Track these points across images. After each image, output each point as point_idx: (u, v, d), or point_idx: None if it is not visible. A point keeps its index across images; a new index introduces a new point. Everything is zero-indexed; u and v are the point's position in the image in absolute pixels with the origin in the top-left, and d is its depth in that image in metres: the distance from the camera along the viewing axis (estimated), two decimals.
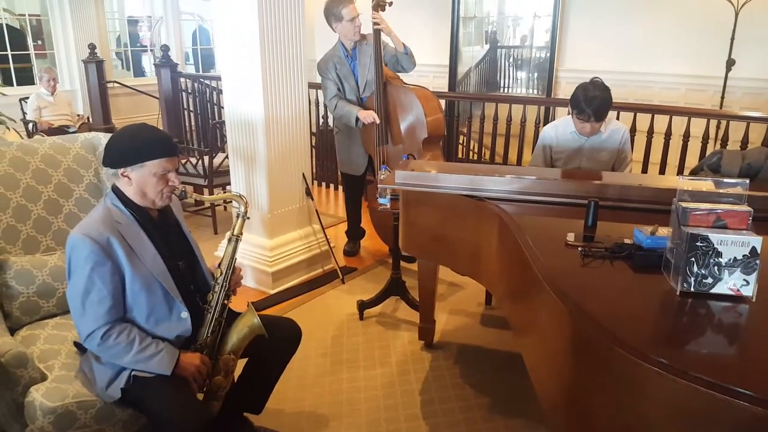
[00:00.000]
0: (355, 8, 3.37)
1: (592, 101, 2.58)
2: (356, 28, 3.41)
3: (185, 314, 1.78)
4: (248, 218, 1.95)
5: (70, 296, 1.72)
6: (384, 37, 3.41)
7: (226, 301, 1.89)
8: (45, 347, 1.92)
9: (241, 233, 1.93)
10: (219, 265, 1.90)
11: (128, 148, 1.73)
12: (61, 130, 5.53)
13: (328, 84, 3.54)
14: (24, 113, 5.91)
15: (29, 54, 7.30)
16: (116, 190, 1.78)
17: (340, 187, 5.16)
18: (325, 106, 5.01)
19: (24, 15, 7.33)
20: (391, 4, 3.42)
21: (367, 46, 3.46)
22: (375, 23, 3.32)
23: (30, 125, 5.68)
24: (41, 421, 1.64)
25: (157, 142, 1.75)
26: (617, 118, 3.87)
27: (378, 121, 3.39)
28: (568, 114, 2.79)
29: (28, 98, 5.88)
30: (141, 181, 1.74)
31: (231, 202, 2.20)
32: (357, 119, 3.42)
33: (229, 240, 1.91)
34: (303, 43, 3.30)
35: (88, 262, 1.66)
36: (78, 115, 6.19)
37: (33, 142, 2.30)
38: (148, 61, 8.71)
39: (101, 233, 1.68)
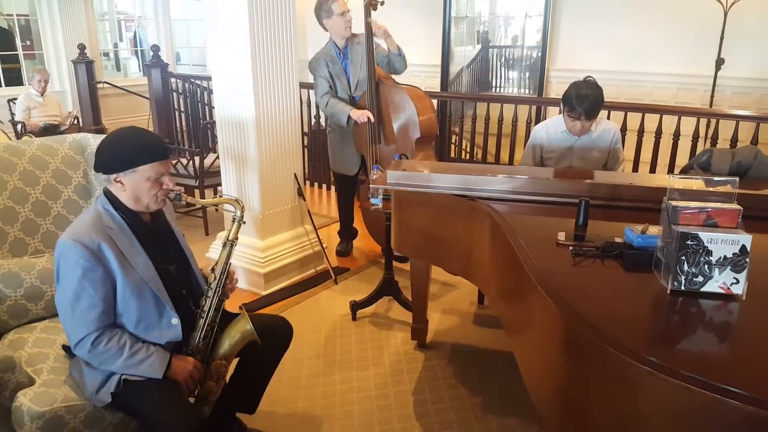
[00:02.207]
0: (344, 2, 3.36)
1: (584, 100, 2.58)
2: (347, 23, 3.40)
3: (176, 320, 1.76)
4: (244, 222, 1.92)
5: (60, 302, 1.69)
6: (376, 39, 3.40)
7: (219, 306, 1.87)
8: (33, 351, 1.90)
9: (237, 238, 1.91)
10: (213, 269, 1.88)
11: (119, 153, 1.70)
12: (52, 129, 5.49)
13: (319, 81, 3.53)
14: (12, 114, 5.85)
15: (18, 54, 7.23)
16: (108, 194, 1.76)
17: (333, 188, 5.15)
18: (317, 106, 5.01)
19: (12, 15, 7.26)
20: (383, 3, 3.41)
21: (359, 45, 3.45)
22: (372, 27, 3.32)
23: (19, 126, 5.63)
24: (29, 427, 1.62)
25: (148, 146, 1.72)
26: (608, 117, 3.88)
27: (373, 119, 3.38)
28: (560, 113, 2.79)
29: (16, 99, 5.82)
30: (134, 186, 1.71)
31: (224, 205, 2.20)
32: (349, 119, 3.41)
33: (224, 244, 1.89)
34: (294, 42, 3.29)
35: (78, 267, 1.63)
36: (68, 112, 6.13)
37: (20, 144, 2.27)
38: (136, 62, 8.66)
39: (92, 239, 1.65)
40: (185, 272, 1.91)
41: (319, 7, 3.41)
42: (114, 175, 1.71)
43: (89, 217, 1.72)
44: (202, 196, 4.34)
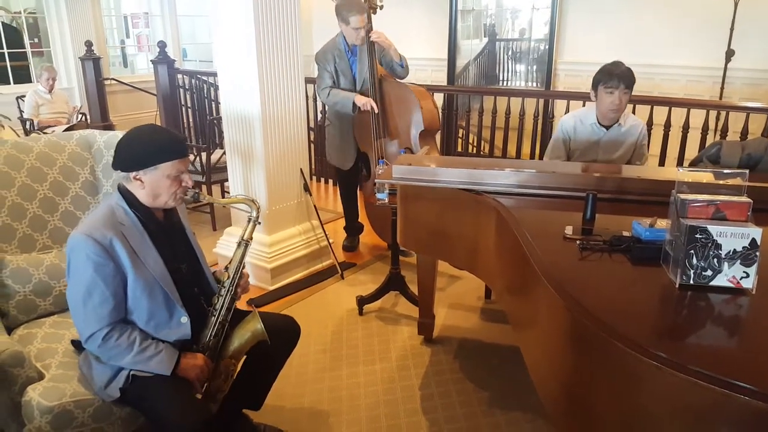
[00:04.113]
0: (363, 19, 3.31)
1: (618, 67, 2.60)
2: (359, 37, 3.37)
3: (185, 319, 1.77)
4: (259, 223, 1.93)
5: (71, 297, 1.70)
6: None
7: (231, 305, 1.87)
8: (42, 346, 1.91)
9: (251, 237, 1.91)
10: (227, 268, 1.88)
11: (141, 151, 1.71)
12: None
13: (323, 74, 3.52)
14: (21, 111, 5.88)
15: (26, 52, 7.27)
16: (123, 191, 1.76)
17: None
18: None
19: (20, 12, 7.29)
20: (381, 7, 3.42)
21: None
22: (373, 37, 3.32)
23: (27, 123, 5.66)
24: (39, 421, 1.64)
25: (169, 144, 1.73)
26: None
27: (377, 110, 3.38)
28: (583, 107, 2.75)
29: (24, 96, 5.85)
30: (154, 183, 1.72)
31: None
32: (354, 105, 3.41)
33: (239, 244, 1.89)
34: (300, 38, 3.28)
35: (90, 262, 1.64)
36: (73, 107, 6.16)
37: (28, 140, 2.28)
38: (143, 59, 8.68)
39: (104, 234, 1.66)
40: (196, 271, 1.92)
41: (339, 9, 3.35)
42: (134, 173, 1.71)
43: (102, 213, 1.73)
44: (209, 192, 4.35)
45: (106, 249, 1.65)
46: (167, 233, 1.83)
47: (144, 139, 1.73)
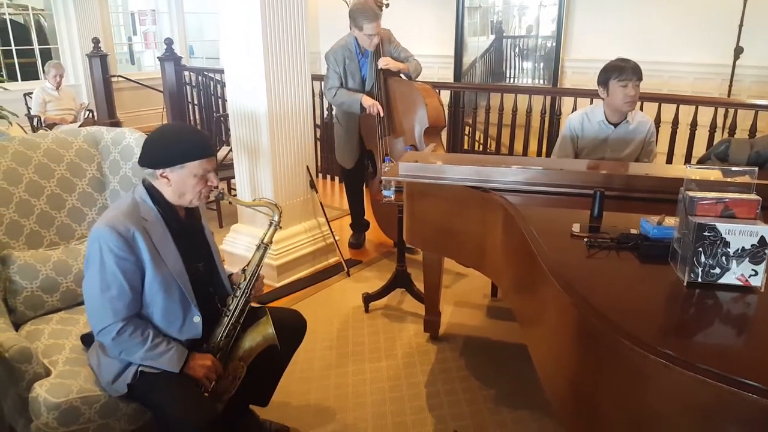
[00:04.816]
0: (377, 26, 3.30)
1: (627, 61, 2.61)
2: (371, 43, 3.36)
3: (197, 318, 1.78)
4: (281, 227, 1.93)
5: (88, 287, 1.70)
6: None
7: (245, 307, 1.88)
8: (49, 342, 1.92)
9: (271, 241, 1.91)
10: (244, 270, 1.89)
11: (168, 149, 1.72)
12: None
13: (332, 74, 3.51)
14: (28, 108, 5.91)
15: (33, 49, 7.30)
16: (148, 187, 1.77)
17: None
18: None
19: (27, 10, 7.32)
20: (387, 5, 3.41)
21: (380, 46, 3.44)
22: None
23: (35, 120, 5.68)
24: (46, 417, 1.65)
25: (196, 143, 1.74)
26: None
27: (383, 113, 3.37)
28: (591, 104, 2.74)
29: (32, 93, 5.88)
30: (180, 182, 1.73)
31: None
32: (361, 106, 3.40)
33: (258, 247, 1.90)
34: (306, 35, 3.28)
35: (111, 255, 1.64)
36: (81, 104, 6.18)
37: (35, 137, 2.29)
38: (150, 56, 8.71)
39: (128, 228, 1.67)
40: (212, 271, 1.92)
41: (353, 14, 3.33)
42: (160, 170, 1.72)
43: (126, 206, 1.73)
44: None
45: (129, 243, 1.66)
46: (187, 232, 1.84)
47: (172, 138, 1.74)
